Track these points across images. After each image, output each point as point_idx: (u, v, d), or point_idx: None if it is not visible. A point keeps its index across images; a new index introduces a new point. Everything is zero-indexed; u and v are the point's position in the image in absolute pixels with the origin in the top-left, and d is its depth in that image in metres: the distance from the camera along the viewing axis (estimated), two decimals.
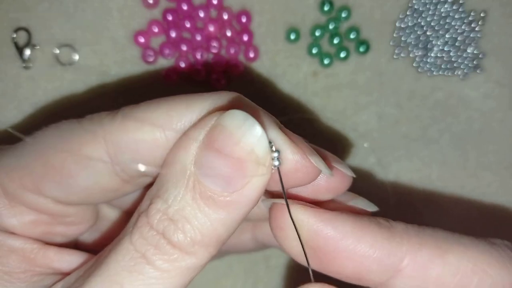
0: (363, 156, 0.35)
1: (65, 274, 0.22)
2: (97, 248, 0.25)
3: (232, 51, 0.33)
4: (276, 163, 0.20)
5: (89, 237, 0.27)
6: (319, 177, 0.21)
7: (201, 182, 0.19)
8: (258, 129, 0.19)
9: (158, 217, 0.19)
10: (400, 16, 0.33)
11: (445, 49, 0.34)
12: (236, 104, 0.21)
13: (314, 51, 0.33)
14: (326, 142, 0.35)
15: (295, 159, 0.20)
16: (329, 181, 0.22)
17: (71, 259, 0.23)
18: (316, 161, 0.21)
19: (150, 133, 0.21)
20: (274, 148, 0.20)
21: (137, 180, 0.23)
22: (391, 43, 0.34)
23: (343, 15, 0.33)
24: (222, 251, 0.29)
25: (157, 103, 0.21)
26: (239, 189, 0.19)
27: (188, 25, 0.32)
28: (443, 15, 0.33)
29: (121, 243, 0.19)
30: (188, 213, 0.19)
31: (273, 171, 0.20)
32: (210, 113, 0.20)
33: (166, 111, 0.21)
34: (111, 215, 0.27)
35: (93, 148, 0.21)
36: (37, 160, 0.22)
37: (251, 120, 0.19)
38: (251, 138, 0.18)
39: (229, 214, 0.19)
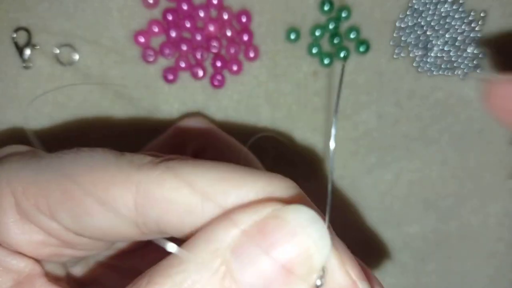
0: (363, 156, 0.35)
1: None
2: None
3: (232, 51, 0.33)
4: (319, 283, 0.17)
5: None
6: None
7: (235, 275, 0.16)
8: (325, 235, 0.16)
9: None
10: (400, 16, 0.33)
11: (445, 49, 0.34)
12: (297, 199, 0.18)
13: (314, 51, 0.33)
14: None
15: (344, 285, 0.17)
16: None
17: None
18: None
19: (188, 197, 0.18)
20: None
21: (156, 234, 0.20)
22: (391, 43, 0.34)
23: (343, 15, 0.33)
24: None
25: (206, 167, 0.18)
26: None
27: (188, 25, 0.32)
28: (443, 15, 0.33)
29: None
30: None
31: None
32: (265, 200, 0.17)
33: (215, 180, 0.18)
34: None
35: (121, 192, 0.19)
36: (58, 185, 0.20)
37: (320, 223, 0.16)
38: (314, 242, 0.16)
39: None
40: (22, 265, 0.21)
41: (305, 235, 0.16)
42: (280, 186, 0.18)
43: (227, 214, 0.17)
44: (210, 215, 0.18)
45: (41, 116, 0.33)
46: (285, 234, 0.16)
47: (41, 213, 0.20)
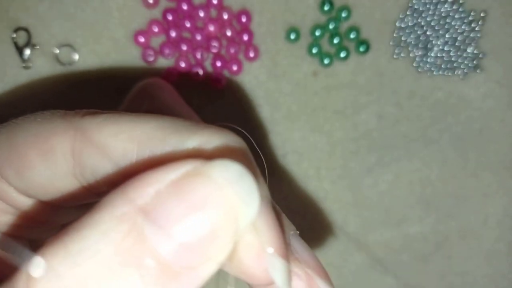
0: (363, 156, 0.35)
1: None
2: None
3: (232, 51, 0.33)
4: None
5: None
6: None
7: (147, 239, 0.13)
8: (254, 192, 0.14)
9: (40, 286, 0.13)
10: (400, 16, 0.33)
11: (445, 49, 0.34)
12: (234, 153, 0.16)
13: (314, 51, 0.33)
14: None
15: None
16: None
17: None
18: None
19: (124, 143, 0.17)
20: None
21: (95, 190, 0.20)
22: (391, 43, 0.34)
23: (343, 15, 0.33)
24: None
25: (148, 117, 0.17)
26: (195, 266, 0.13)
27: (188, 25, 0.32)
28: (443, 15, 0.33)
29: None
30: (106, 282, 0.13)
31: None
32: (192, 154, 0.15)
33: (152, 129, 0.17)
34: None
35: (60, 140, 0.18)
36: (3, 145, 0.19)
37: (248, 179, 0.14)
38: (244, 203, 0.14)
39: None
40: None
41: (230, 193, 0.13)
42: (221, 138, 0.16)
43: (152, 169, 0.14)
44: (141, 165, 0.16)
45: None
46: (211, 191, 0.13)
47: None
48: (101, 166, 0.17)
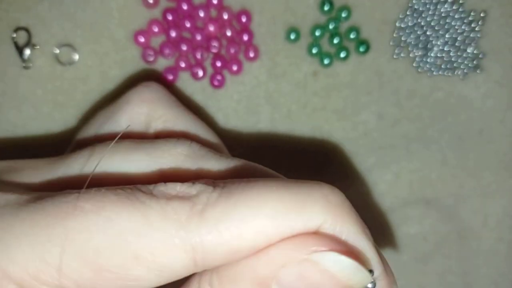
0: (363, 156, 0.35)
1: None
2: None
3: (232, 51, 0.33)
4: None
5: None
6: None
7: None
8: (366, 278, 0.17)
9: None
10: (400, 16, 0.33)
11: (445, 49, 0.34)
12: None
13: (314, 51, 0.33)
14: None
15: None
16: None
17: None
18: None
19: (253, 241, 0.17)
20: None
21: None
22: (391, 43, 0.34)
23: (343, 15, 0.33)
24: None
25: (259, 198, 0.17)
26: None
27: (188, 25, 0.32)
28: (443, 15, 0.33)
29: None
30: None
31: None
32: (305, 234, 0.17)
33: (275, 215, 0.17)
34: None
35: (175, 256, 0.17)
36: (85, 267, 0.17)
37: (362, 272, 0.17)
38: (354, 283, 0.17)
39: None
40: None
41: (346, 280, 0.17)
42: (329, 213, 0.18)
43: (278, 247, 0.17)
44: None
45: (41, 115, 0.33)
46: (327, 280, 0.17)
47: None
48: (230, 262, 0.18)
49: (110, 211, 0.17)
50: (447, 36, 0.34)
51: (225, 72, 0.33)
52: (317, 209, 0.17)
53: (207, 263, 0.17)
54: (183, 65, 0.33)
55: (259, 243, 0.17)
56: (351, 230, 0.18)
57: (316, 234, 0.17)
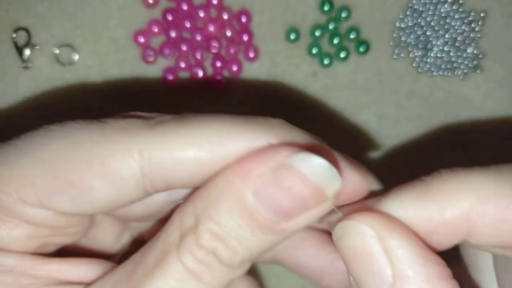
0: (363, 156, 0.35)
1: (79, 284, 0.21)
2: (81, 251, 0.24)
3: (232, 51, 0.33)
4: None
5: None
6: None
7: (259, 212, 0.18)
8: (337, 181, 0.18)
9: (208, 237, 0.19)
10: (400, 16, 0.33)
11: (445, 49, 0.34)
12: (292, 135, 0.20)
13: (314, 51, 0.33)
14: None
15: (357, 181, 0.21)
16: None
17: (76, 270, 0.21)
18: (372, 181, 0.22)
19: (197, 152, 0.19)
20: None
21: (164, 190, 0.21)
22: (391, 43, 0.34)
23: (343, 15, 0.33)
24: None
25: (205, 121, 0.19)
26: (296, 218, 0.19)
27: (188, 25, 0.32)
28: (443, 15, 0.33)
29: (167, 261, 0.19)
30: (240, 236, 0.19)
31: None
32: (273, 146, 0.19)
33: (218, 134, 0.19)
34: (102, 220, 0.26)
35: (124, 163, 0.19)
36: (43, 171, 0.19)
37: (333, 172, 0.18)
38: (329, 189, 0.18)
39: (279, 238, 0.19)
40: (19, 261, 0.21)
41: (316, 180, 0.18)
42: (277, 128, 0.20)
43: (244, 163, 0.19)
44: (220, 164, 0.19)
45: (40, 115, 0.33)
46: (299, 179, 0.18)
47: (27, 204, 0.20)
48: (176, 177, 0.20)
49: (72, 127, 0.20)
50: (447, 36, 0.34)
51: (225, 72, 0.33)
52: (260, 126, 0.20)
53: (154, 174, 0.19)
54: (183, 65, 0.33)
55: (204, 156, 0.19)
56: (302, 138, 0.20)
57: (283, 144, 0.19)
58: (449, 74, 0.34)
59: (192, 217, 0.19)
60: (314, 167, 0.18)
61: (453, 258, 0.21)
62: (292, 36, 0.33)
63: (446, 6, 0.33)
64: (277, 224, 0.19)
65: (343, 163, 0.21)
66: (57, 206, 0.20)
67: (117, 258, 0.25)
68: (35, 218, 0.20)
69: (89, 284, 0.21)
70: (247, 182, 0.18)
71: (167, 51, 0.33)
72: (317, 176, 0.18)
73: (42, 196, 0.20)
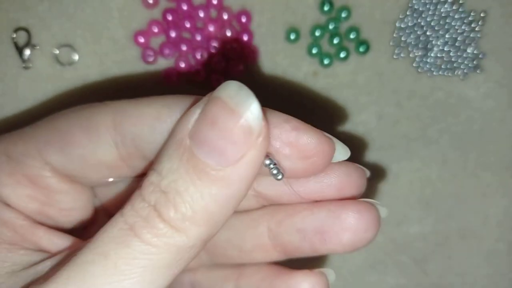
0: (363, 155, 0.35)
1: (53, 254, 0.22)
2: None
3: (232, 51, 0.33)
4: (267, 162, 0.20)
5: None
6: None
7: (195, 154, 0.19)
8: (252, 99, 0.19)
9: (151, 189, 0.19)
10: (400, 16, 0.33)
11: (445, 49, 0.34)
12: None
13: (314, 51, 0.33)
14: None
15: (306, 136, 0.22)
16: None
17: (60, 242, 0.23)
18: (331, 138, 0.22)
19: (156, 108, 0.22)
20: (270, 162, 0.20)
21: (133, 160, 0.23)
22: (391, 43, 0.34)
23: (343, 15, 0.33)
24: None
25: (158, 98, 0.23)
26: (233, 163, 0.19)
27: (188, 25, 0.32)
28: (443, 15, 0.33)
29: (114, 217, 0.19)
30: (180, 186, 0.18)
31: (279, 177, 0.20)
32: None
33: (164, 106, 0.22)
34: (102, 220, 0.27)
35: (101, 117, 0.22)
36: (44, 126, 0.23)
37: (245, 90, 0.19)
38: (245, 108, 0.18)
39: (221, 190, 0.19)
40: (17, 216, 0.23)
41: (234, 103, 0.18)
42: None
43: (185, 112, 0.20)
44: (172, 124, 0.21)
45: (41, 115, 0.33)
46: (220, 107, 0.19)
47: (30, 157, 0.23)
48: (140, 131, 0.22)
49: (71, 111, 0.25)
50: (447, 36, 0.34)
51: (225, 72, 0.33)
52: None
53: (123, 129, 0.22)
54: (183, 65, 0.33)
55: (162, 111, 0.22)
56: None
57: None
58: (449, 74, 0.34)
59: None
60: (231, 93, 0.19)
61: None
62: (292, 36, 0.33)
63: (446, 6, 0.33)
64: (214, 169, 0.18)
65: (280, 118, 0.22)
66: (48, 156, 0.23)
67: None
68: (36, 175, 0.23)
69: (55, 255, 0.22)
70: (184, 126, 0.19)
71: (167, 51, 0.33)
72: (237, 99, 0.19)
73: (40, 147, 0.23)
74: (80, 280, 0.18)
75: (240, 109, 0.18)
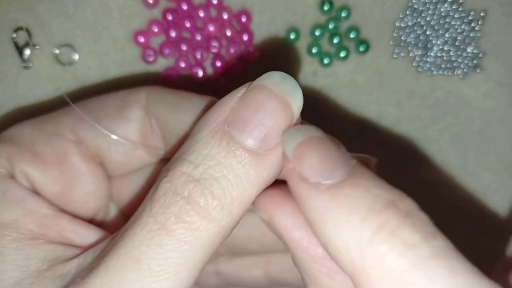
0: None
1: (77, 247, 0.22)
2: None
3: (232, 51, 0.33)
4: None
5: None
6: None
7: (235, 137, 0.18)
8: (298, 89, 0.19)
9: (184, 179, 0.18)
10: (400, 16, 0.33)
11: (445, 48, 0.34)
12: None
13: (314, 50, 0.33)
14: None
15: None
16: None
17: (85, 233, 0.23)
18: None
19: (188, 98, 0.24)
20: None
21: (154, 140, 0.25)
22: (391, 43, 0.34)
23: (343, 14, 0.33)
24: (231, 284, 0.29)
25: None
26: (272, 147, 0.19)
27: (188, 25, 0.32)
28: (443, 14, 0.33)
29: (141, 216, 0.18)
30: (218, 172, 0.18)
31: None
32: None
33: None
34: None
35: (134, 97, 0.25)
36: (78, 106, 0.25)
37: (291, 79, 0.19)
38: (292, 96, 0.19)
39: (258, 174, 0.18)
40: (42, 205, 0.23)
41: (279, 89, 0.19)
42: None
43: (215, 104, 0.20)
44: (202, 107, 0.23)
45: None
46: (266, 93, 0.19)
47: (58, 136, 0.25)
48: (167, 114, 0.24)
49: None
50: (447, 35, 0.34)
51: (225, 72, 0.33)
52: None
53: (154, 111, 0.25)
54: (183, 65, 0.33)
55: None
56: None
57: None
58: (449, 74, 0.34)
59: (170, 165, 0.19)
60: (277, 81, 0.19)
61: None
62: (292, 36, 0.33)
63: (446, 5, 0.33)
64: (255, 152, 0.18)
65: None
66: (82, 132, 0.25)
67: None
68: (62, 154, 0.24)
69: (86, 249, 0.21)
70: (220, 114, 0.19)
71: (167, 51, 0.33)
72: (283, 87, 0.19)
73: (73, 124, 0.25)
74: (115, 287, 0.17)
75: (287, 97, 0.19)
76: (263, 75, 0.19)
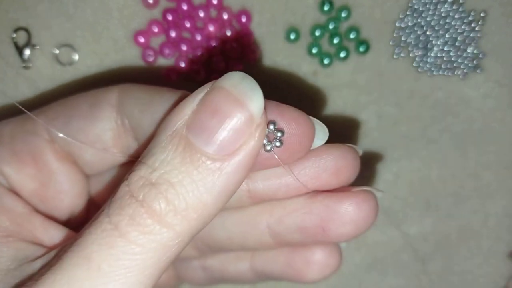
0: (363, 155, 0.35)
1: (46, 248, 0.22)
2: None
3: (232, 51, 0.33)
4: (278, 143, 0.20)
5: None
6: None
7: (192, 143, 0.18)
8: (256, 89, 0.19)
9: (140, 183, 0.18)
10: (400, 16, 0.33)
11: (445, 49, 0.34)
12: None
13: (314, 51, 0.33)
14: None
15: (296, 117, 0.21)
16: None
17: (54, 233, 0.23)
18: (313, 121, 0.22)
19: (157, 92, 0.24)
20: (276, 127, 0.20)
21: (127, 140, 0.24)
22: (391, 43, 0.34)
23: (343, 14, 0.33)
24: (217, 279, 0.28)
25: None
26: (231, 152, 0.18)
27: (188, 25, 0.32)
28: (443, 15, 0.33)
29: (99, 216, 0.18)
30: (173, 177, 0.18)
31: (273, 149, 0.20)
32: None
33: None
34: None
35: (105, 96, 0.25)
36: (54, 105, 0.25)
37: (249, 80, 0.19)
38: (249, 97, 0.18)
39: (217, 181, 0.18)
40: (17, 204, 0.23)
41: (237, 92, 0.18)
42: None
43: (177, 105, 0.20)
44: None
45: None
46: (223, 96, 0.18)
47: (35, 135, 0.24)
48: (138, 113, 0.23)
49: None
50: (447, 36, 0.34)
51: (225, 72, 0.33)
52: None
53: (126, 108, 0.24)
54: (183, 65, 0.33)
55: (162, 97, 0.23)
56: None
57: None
58: (449, 74, 0.34)
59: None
60: (235, 82, 0.19)
61: None
62: (292, 36, 0.33)
63: (446, 6, 0.33)
64: (212, 158, 0.18)
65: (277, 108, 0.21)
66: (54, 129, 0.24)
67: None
68: (37, 152, 0.24)
69: (52, 249, 0.21)
70: (180, 116, 0.19)
71: (167, 51, 0.33)
72: (241, 88, 0.18)
73: (48, 123, 0.24)
74: (65, 284, 0.17)
75: (244, 99, 0.18)
76: (223, 76, 0.19)
